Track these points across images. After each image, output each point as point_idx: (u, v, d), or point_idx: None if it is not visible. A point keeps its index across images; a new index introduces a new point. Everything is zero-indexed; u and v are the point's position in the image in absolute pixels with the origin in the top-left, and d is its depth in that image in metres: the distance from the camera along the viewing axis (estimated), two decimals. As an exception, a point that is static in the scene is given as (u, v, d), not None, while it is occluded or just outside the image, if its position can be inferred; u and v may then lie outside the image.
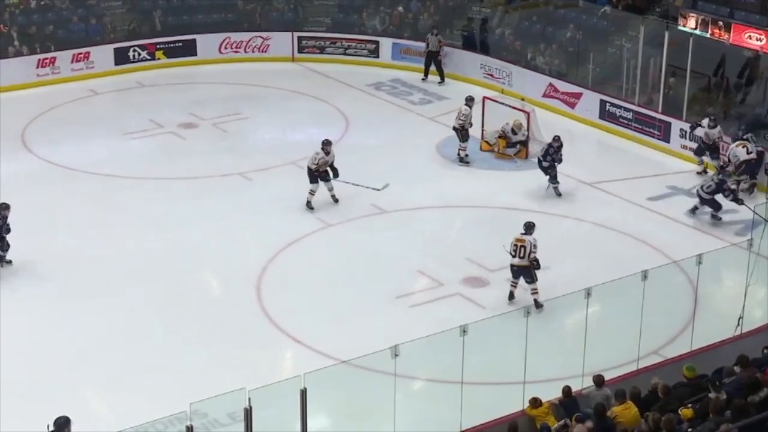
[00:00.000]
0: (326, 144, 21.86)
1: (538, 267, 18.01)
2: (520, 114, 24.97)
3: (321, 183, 21.77)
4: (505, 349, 15.08)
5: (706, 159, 23.86)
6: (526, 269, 18.05)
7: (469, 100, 24.65)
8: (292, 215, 21.61)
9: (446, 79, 29.89)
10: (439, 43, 29.85)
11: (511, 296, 18.38)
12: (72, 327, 17.52)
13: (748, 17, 25.15)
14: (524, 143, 24.72)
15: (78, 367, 16.43)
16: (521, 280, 18.20)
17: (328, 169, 21.84)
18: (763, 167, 22.85)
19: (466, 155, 24.49)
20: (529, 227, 18.33)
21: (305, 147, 24.74)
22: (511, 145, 24.79)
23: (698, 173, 23.84)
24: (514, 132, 24.65)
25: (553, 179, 22.84)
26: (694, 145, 24.33)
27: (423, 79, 30.00)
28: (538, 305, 17.63)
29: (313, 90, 29.43)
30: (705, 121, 23.64)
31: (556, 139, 22.81)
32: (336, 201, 21.99)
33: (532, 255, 17.94)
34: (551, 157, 22.75)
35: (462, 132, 24.36)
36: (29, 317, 17.84)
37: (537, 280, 18.01)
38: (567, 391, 14.02)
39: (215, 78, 30.42)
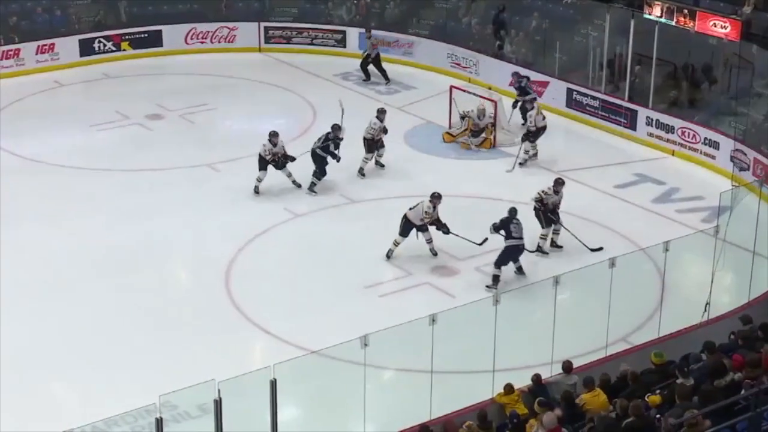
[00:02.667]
0: (273, 135, 21.95)
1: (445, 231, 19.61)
2: (487, 102, 25.02)
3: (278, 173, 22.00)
4: (474, 337, 15.12)
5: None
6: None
7: (380, 113, 23.53)
8: (261, 206, 21.59)
9: (415, 69, 29.88)
10: (373, 46, 29.27)
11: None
12: (39, 320, 17.41)
13: (712, 5, 25.28)
14: (485, 132, 24.77)
15: (47, 361, 16.35)
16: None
17: (282, 158, 22.04)
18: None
19: (362, 168, 23.35)
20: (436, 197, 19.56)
21: (273, 137, 24.75)
22: (476, 133, 24.80)
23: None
24: (480, 117, 24.67)
25: (318, 174, 22.13)
26: (660, 133, 24.65)
27: (365, 80, 29.33)
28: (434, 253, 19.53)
29: (280, 80, 29.37)
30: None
31: (336, 128, 22.32)
32: (298, 186, 22.16)
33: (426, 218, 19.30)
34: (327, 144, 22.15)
35: (368, 143, 23.38)
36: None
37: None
38: (537, 378, 14.08)
39: (182, 69, 30.29)
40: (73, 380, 16.00)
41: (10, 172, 23.16)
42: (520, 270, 18.88)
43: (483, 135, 24.83)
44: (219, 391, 11.69)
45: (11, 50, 29.38)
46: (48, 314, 17.64)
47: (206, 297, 18.34)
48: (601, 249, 19.51)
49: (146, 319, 17.61)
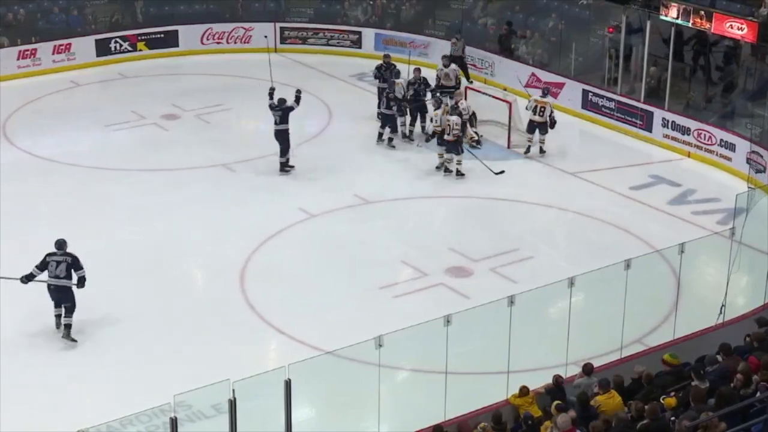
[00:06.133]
0: (417, 70, 25.36)
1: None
2: (502, 104, 25.00)
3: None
4: (488, 338, 15.09)
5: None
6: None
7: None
8: (276, 206, 21.60)
9: (430, 70, 29.77)
10: (463, 47, 28.93)
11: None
12: (53, 319, 17.41)
13: (729, 6, 25.21)
14: (474, 121, 25.01)
15: (62, 360, 16.38)
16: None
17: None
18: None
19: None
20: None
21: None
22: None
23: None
24: (455, 107, 24.67)
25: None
26: (676, 134, 24.68)
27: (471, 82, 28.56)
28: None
29: (295, 81, 29.27)
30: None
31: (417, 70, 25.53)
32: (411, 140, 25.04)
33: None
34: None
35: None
36: (10, 311, 17.76)
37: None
38: (557, 380, 14.01)
39: (197, 69, 30.35)
40: (89, 379, 16.03)
41: (26, 171, 23.27)
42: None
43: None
44: (234, 391, 11.71)
45: (28, 50, 29.48)
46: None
47: (221, 297, 18.36)
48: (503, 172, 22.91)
49: (161, 318, 17.63)
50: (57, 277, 16.76)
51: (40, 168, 23.51)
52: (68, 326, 16.74)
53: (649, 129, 25.42)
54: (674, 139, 24.76)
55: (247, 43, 31.76)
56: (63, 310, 16.76)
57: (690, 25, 24.26)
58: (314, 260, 19.67)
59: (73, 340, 16.76)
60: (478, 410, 13.87)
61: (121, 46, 30.78)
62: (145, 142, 25.21)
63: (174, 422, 11.60)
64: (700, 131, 24.37)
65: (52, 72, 29.53)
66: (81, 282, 16.82)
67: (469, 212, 21.69)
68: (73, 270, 16.78)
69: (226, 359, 15.91)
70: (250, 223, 20.86)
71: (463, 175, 23.14)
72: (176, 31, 31.36)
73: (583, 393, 13.44)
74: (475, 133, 24.80)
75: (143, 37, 31.09)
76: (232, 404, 11.80)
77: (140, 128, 25.98)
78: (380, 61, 26.81)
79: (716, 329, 15.84)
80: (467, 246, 19.88)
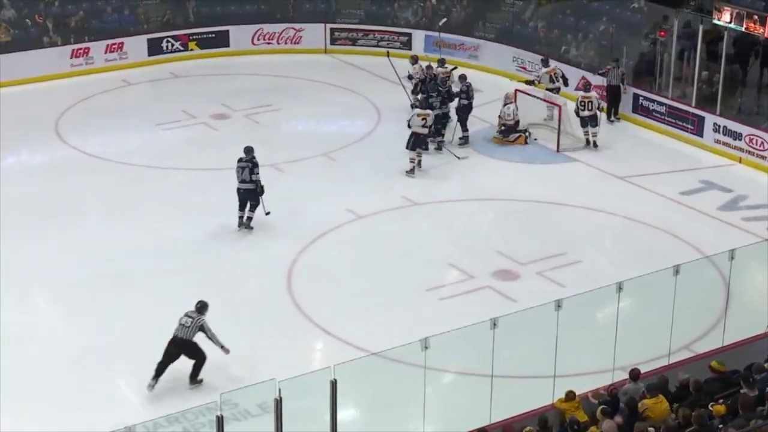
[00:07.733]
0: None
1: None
2: (550, 105, 24.93)
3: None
4: (535, 342, 15.04)
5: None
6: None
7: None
8: (323, 207, 21.63)
9: (480, 72, 29.75)
10: (622, 76, 26.52)
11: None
12: (102, 316, 17.59)
13: (783, 11, 25.02)
14: (517, 128, 25.06)
15: (109, 357, 16.50)
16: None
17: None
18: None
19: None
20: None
21: (337, 139, 24.88)
22: (507, 129, 24.94)
23: None
24: (505, 103, 25.18)
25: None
26: (727, 139, 24.42)
27: (611, 121, 26.59)
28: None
29: (345, 82, 29.45)
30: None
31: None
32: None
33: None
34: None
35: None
36: (61, 306, 17.98)
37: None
38: (612, 391, 13.87)
39: (248, 69, 30.49)
40: (136, 376, 16.12)
41: (77, 169, 23.49)
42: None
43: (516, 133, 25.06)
44: (279, 390, 11.74)
45: (81, 49, 29.75)
46: (112, 310, 17.81)
47: (268, 297, 18.41)
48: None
49: (208, 317, 17.65)
50: (243, 181, 19.91)
51: (90, 165, 23.71)
52: (250, 218, 20.14)
53: (700, 134, 25.21)
54: (726, 144, 24.54)
55: (298, 43, 31.88)
56: (247, 209, 20.07)
57: (743, 29, 24.02)
58: (361, 261, 19.69)
59: (251, 228, 20.19)
60: (524, 414, 13.81)
61: (172, 45, 31.01)
62: (194, 141, 25.35)
63: (220, 420, 11.66)
64: (752, 137, 24.14)
65: (104, 71, 29.77)
66: (257, 185, 19.86)
67: (517, 215, 21.61)
68: (251, 174, 19.78)
69: (273, 358, 15.98)
70: (297, 223, 20.91)
71: (597, 146, 24.71)
72: (227, 31, 31.54)
73: (632, 399, 13.36)
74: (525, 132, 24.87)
75: (195, 37, 31.30)
76: (278, 403, 11.84)
77: (190, 127, 26.14)
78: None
79: (765, 337, 15.68)
80: (514, 249, 19.81)
